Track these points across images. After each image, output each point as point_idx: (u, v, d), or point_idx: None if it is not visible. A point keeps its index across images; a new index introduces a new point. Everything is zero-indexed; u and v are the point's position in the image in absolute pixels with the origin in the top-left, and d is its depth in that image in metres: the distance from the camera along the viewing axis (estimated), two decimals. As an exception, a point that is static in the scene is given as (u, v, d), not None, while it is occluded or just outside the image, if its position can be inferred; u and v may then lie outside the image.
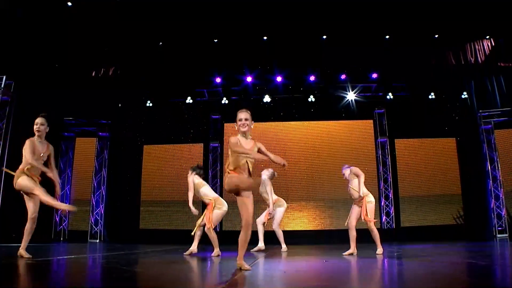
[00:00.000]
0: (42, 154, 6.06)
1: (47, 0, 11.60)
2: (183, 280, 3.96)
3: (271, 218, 9.10)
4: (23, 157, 6.00)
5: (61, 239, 13.62)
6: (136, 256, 7.12)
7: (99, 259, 6.40)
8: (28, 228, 6.22)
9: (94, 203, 13.84)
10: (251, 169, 4.68)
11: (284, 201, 9.25)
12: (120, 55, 13.52)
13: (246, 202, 4.60)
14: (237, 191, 4.62)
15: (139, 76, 13.65)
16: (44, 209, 12.96)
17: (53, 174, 6.12)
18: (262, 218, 9.17)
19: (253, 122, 4.83)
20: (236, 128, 4.79)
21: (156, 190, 13.87)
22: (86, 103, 13.42)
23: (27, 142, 6.05)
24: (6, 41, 11.61)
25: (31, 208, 6.11)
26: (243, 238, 4.60)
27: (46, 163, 6.17)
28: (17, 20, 11.57)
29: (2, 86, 11.55)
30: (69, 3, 11.86)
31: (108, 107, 13.97)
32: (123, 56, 13.53)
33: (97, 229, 13.64)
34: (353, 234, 7.43)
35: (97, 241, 13.38)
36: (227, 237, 12.14)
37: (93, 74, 13.65)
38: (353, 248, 7.33)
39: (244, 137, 4.74)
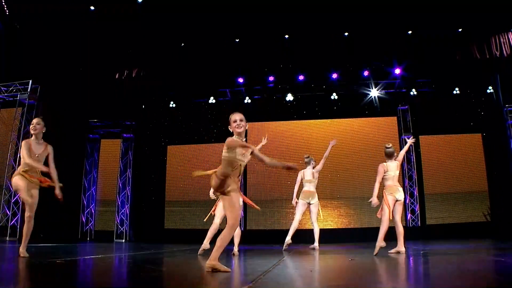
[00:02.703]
0: (37, 155, 6.01)
1: (70, 4, 11.77)
2: (209, 279, 3.99)
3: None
4: (22, 159, 6.00)
5: (88, 239, 13.83)
6: (162, 255, 7.19)
7: (125, 259, 6.47)
8: (25, 228, 6.03)
9: (119, 203, 14.01)
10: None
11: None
12: (143, 57, 13.64)
13: (235, 200, 4.44)
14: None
15: (162, 78, 13.76)
16: (71, 210, 13.24)
17: (52, 173, 6.05)
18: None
19: (246, 124, 4.71)
20: (231, 130, 4.67)
21: (180, 190, 13.98)
22: (110, 105, 13.60)
23: (23, 143, 6.05)
24: (31, 46, 11.85)
25: (27, 207, 6.00)
26: (227, 238, 4.35)
27: (46, 164, 6.09)
28: (41, 25, 11.79)
29: (29, 90, 11.81)
30: (92, 7, 12.02)
31: (132, 109, 14.14)
32: (146, 58, 13.65)
33: (123, 229, 13.81)
34: (399, 231, 7.05)
35: (123, 241, 13.54)
36: (251, 235, 12.25)
37: (117, 76, 13.79)
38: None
39: (239, 138, 4.63)
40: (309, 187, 9.18)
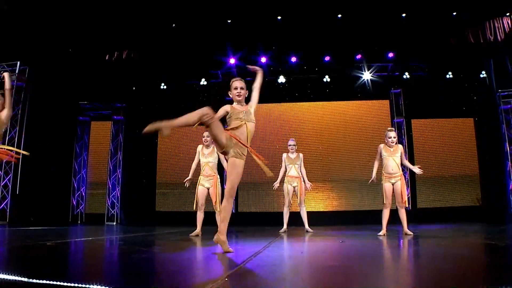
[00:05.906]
0: None
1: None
2: (200, 261, 3.97)
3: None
4: None
5: (78, 222, 13.79)
6: (153, 237, 7.16)
7: (116, 241, 6.44)
8: None
9: (110, 186, 13.95)
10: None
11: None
12: (133, 38, 13.45)
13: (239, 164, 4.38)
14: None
15: (152, 59, 13.58)
16: (61, 193, 13.18)
17: None
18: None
19: (247, 91, 4.66)
20: (231, 97, 4.62)
21: (171, 172, 13.92)
22: (100, 87, 13.44)
23: None
24: (20, 26, 11.63)
25: None
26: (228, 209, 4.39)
27: None
28: (30, 4, 11.57)
29: (17, 71, 11.61)
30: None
31: (122, 91, 13.98)
32: (136, 39, 13.46)
33: (114, 211, 13.77)
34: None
35: (114, 223, 13.51)
36: (242, 218, 12.26)
37: (107, 57, 13.59)
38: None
39: (239, 105, 4.60)
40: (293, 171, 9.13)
